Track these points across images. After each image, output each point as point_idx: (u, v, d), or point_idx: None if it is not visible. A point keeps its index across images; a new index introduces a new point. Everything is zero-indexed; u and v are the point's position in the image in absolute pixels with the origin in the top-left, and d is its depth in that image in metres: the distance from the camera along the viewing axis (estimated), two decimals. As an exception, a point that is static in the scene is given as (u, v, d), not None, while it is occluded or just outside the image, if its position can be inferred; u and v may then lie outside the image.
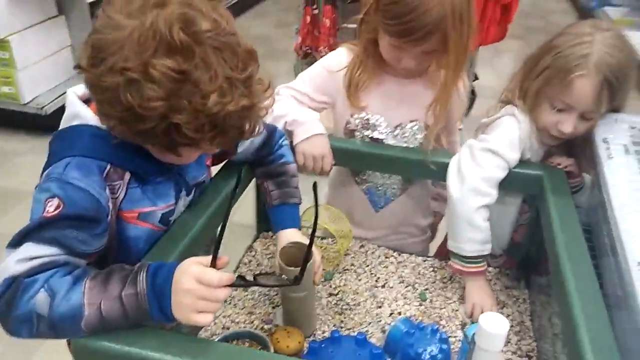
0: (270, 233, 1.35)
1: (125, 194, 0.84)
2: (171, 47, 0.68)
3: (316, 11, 2.74)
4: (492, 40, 2.60)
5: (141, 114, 0.69)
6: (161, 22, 0.68)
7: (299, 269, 0.86)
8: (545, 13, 6.10)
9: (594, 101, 1.02)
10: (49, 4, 3.08)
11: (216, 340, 0.97)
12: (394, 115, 1.24)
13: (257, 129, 0.80)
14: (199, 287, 0.71)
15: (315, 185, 0.87)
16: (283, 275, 0.88)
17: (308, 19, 2.73)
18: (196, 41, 0.69)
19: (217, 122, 0.72)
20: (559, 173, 1.12)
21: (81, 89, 0.84)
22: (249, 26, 5.29)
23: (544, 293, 1.12)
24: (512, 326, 1.10)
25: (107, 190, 0.80)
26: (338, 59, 1.24)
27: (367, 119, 1.24)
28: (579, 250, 0.91)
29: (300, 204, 1.12)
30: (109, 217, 0.80)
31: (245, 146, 1.05)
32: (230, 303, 1.13)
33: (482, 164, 1.10)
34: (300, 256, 0.89)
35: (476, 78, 3.14)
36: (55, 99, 3.03)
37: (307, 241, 0.89)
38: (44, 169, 0.80)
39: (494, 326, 0.70)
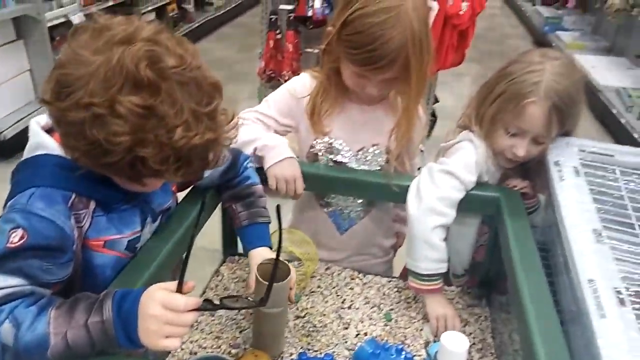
0: (237, 257, 1.35)
1: (91, 222, 0.84)
2: (137, 83, 0.69)
3: (279, 36, 2.78)
4: (451, 64, 2.69)
5: (107, 148, 0.70)
6: (128, 59, 0.69)
7: (281, 284, 0.89)
8: (502, 37, 6.35)
9: (544, 126, 1.08)
10: (8, 29, 3.05)
11: (184, 366, 0.97)
12: (356, 140, 1.27)
13: (220, 158, 0.82)
14: (165, 312, 0.72)
15: (278, 208, 0.89)
16: (249, 297, 0.89)
17: (271, 43, 2.77)
18: (162, 77, 0.71)
19: (182, 154, 0.73)
20: (515, 195, 1.17)
21: (44, 118, 0.84)
22: (212, 49, 5.31)
23: (504, 311, 1.16)
24: (474, 344, 1.13)
25: (73, 219, 0.80)
26: (302, 84, 1.27)
27: (331, 143, 1.27)
28: (534, 268, 0.95)
29: (269, 222, 1.13)
30: (75, 246, 0.80)
31: (211, 171, 1.06)
32: (197, 328, 1.12)
33: (440, 185, 1.14)
34: (269, 270, 0.90)
35: (436, 101, 3.23)
36: (14, 123, 2.98)
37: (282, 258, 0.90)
38: (8, 199, 0.80)
39: (455, 344, 0.72)
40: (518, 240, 1.03)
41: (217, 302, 0.81)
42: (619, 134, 3.63)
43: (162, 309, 0.72)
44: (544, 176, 1.15)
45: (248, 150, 1.20)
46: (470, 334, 1.16)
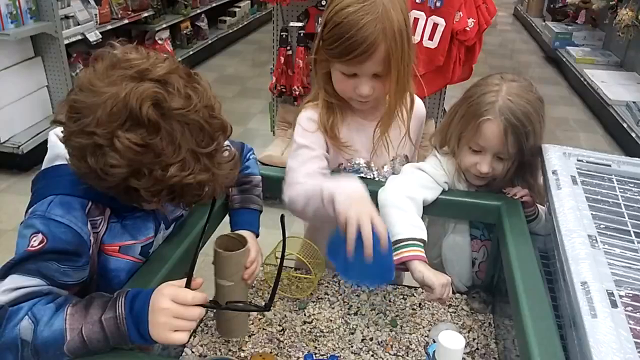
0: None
1: (107, 228, 0.89)
2: (138, 121, 0.73)
3: (290, 52, 2.85)
4: (459, 79, 2.73)
5: (102, 177, 0.75)
6: (133, 97, 0.73)
7: (229, 253, 0.96)
8: (512, 53, 6.37)
9: (501, 142, 1.15)
10: (26, 46, 3.15)
11: (194, 368, 1.01)
12: (377, 156, 1.29)
13: (217, 193, 0.84)
14: (173, 305, 0.76)
15: (282, 218, 0.94)
16: (251, 302, 0.94)
17: (282, 59, 2.83)
18: (164, 117, 0.75)
19: (175, 189, 0.78)
20: (515, 203, 1.20)
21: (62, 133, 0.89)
22: (225, 65, 5.40)
23: (507, 317, 1.18)
24: (477, 349, 1.16)
25: (89, 225, 0.85)
26: (310, 118, 1.24)
27: (358, 163, 1.28)
28: (533, 274, 0.98)
29: (261, 212, 1.16)
30: (90, 250, 0.85)
31: None
32: (207, 332, 1.16)
33: (407, 172, 1.22)
34: (237, 247, 0.97)
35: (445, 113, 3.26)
36: (32, 138, 3.06)
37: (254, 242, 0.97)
38: (29, 207, 0.85)
39: (452, 343, 0.75)
40: (518, 248, 1.06)
41: (224, 304, 0.85)
42: (630, 148, 3.64)
43: (171, 302, 0.76)
44: (537, 178, 1.22)
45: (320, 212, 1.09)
46: (474, 339, 1.18)
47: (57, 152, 0.87)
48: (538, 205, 1.26)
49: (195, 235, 1.05)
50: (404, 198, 1.16)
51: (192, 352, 1.11)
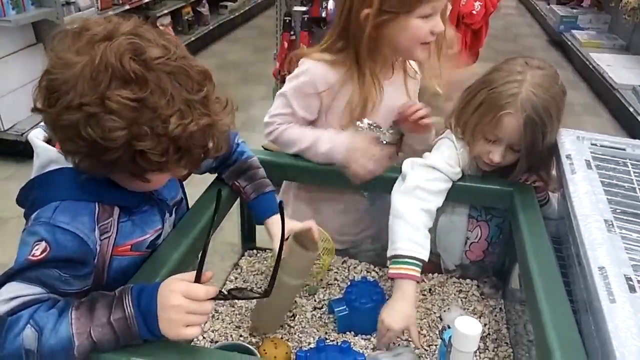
0: (255, 251, 1.39)
1: (117, 230, 0.86)
2: (124, 78, 0.70)
3: (293, 37, 2.82)
4: (464, 64, 2.70)
5: (105, 146, 0.71)
6: (111, 55, 0.70)
7: (310, 254, 0.98)
8: (517, 37, 6.32)
9: (519, 136, 1.11)
10: (28, 32, 3.12)
11: (205, 354, 1.01)
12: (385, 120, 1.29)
13: (221, 146, 0.81)
14: (186, 302, 0.74)
15: (281, 204, 0.93)
16: (252, 289, 0.94)
17: (286, 44, 2.81)
18: (148, 68, 0.71)
19: (181, 143, 0.74)
20: (528, 188, 1.19)
21: (41, 132, 0.85)
22: (227, 51, 5.36)
23: (518, 302, 1.18)
24: (488, 334, 1.16)
25: (97, 232, 0.82)
26: (313, 74, 1.23)
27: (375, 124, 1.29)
28: (547, 260, 0.97)
29: (274, 190, 1.16)
30: (96, 259, 0.82)
31: None
32: (218, 318, 1.16)
33: (421, 174, 1.17)
34: (308, 244, 0.99)
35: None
36: (35, 125, 3.02)
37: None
38: (28, 214, 0.81)
39: (469, 329, 0.75)
40: (531, 232, 1.05)
41: (226, 292, 0.83)
42: (636, 132, 3.62)
43: (183, 298, 0.74)
44: (550, 172, 1.20)
45: (308, 155, 1.24)
46: (485, 324, 1.18)
47: (48, 157, 0.83)
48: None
49: (201, 228, 1.02)
50: (417, 211, 1.12)
51: (204, 337, 1.11)
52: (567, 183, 0.99)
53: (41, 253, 0.75)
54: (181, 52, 0.76)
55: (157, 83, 0.71)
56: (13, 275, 0.74)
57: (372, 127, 1.28)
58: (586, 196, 0.94)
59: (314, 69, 1.23)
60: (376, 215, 1.41)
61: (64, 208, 0.79)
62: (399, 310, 1.03)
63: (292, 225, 1.06)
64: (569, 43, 5.32)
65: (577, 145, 1.09)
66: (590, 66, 4.64)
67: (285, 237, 0.96)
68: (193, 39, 4.96)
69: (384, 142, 1.31)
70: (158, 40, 0.75)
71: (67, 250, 0.77)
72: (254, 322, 1.11)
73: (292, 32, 2.81)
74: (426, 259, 1.09)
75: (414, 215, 1.11)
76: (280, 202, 0.98)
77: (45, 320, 0.72)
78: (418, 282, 1.08)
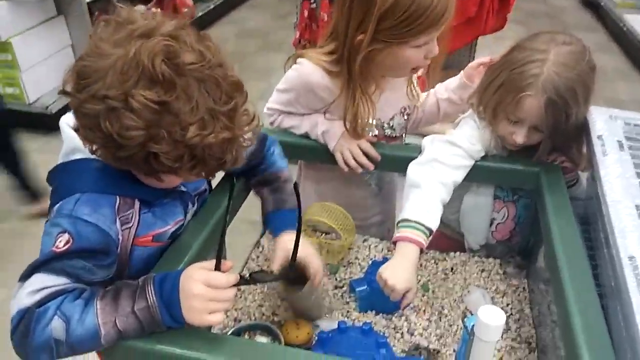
0: (276, 229, 1.39)
1: (139, 221, 0.86)
2: (152, 79, 0.69)
3: (314, 5, 2.75)
4: (491, 30, 2.61)
5: (120, 142, 0.71)
6: (144, 53, 0.69)
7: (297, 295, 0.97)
8: (546, -2, 6.09)
9: (541, 117, 1.07)
10: (49, 5, 3.11)
11: (229, 332, 1.02)
12: (385, 112, 1.28)
13: (239, 159, 0.80)
14: (208, 290, 0.75)
15: (296, 186, 0.91)
16: (274, 272, 0.94)
17: (306, 13, 2.75)
18: (178, 73, 0.70)
19: (197, 152, 0.73)
20: (556, 169, 1.16)
21: (72, 119, 0.85)
22: (246, 18, 5.29)
23: (542, 281, 1.16)
24: (511, 314, 1.15)
25: (118, 223, 0.82)
26: (309, 74, 1.20)
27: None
28: (573, 242, 0.95)
29: (294, 209, 1.12)
30: (119, 249, 0.83)
31: None
32: (240, 297, 1.17)
33: (440, 148, 1.15)
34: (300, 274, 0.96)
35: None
36: (60, 97, 3.05)
37: (307, 246, 0.96)
38: (53, 203, 0.83)
39: (492, 319, 0.74)
40: (558, 214, 1.03)
41: (247, 277, 0.83)
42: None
43: (204, 287, 0.75)
44: (577, 150, 1.16)
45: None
46: (508, 304, 1.17)
47: (74, 145, 0.84)
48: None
49: (219, 218, 1.01)
50: (432, 182, 1.11)
51: (227, 316, 1.12)
52: (597, 165, 0.96)
53: (64, 245, 0.76)
54: (217, 61, 0.75)
55: (184, 89, 0.70)
56: (38, 266, 0.76)
57: (378, 126, 1.29)
58: (618, 180, 0.91)
59: (313, 74, 1.20)
60: (382, 204, 1.42)
61: (86, 200, 0.79)
62: (402, 270, 1.00)
63: (283, 245, 1.02)
64: (602, 4, 5.09)
65: (609, 124, 1.05)
66: (625, 28, 4.44)
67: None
68: (212, 6, 4.89)
69: (393, 135, 1.31)
70: (195, 46, 0.73)
71: (90, 242, 0.78)
72: (297, 312, 1.10)
73: (312, 1, 2.74)
74: (434, 229, 1.07)
75: (427, 185, 1.10)
76: (296, 183, 0.96)
77: (72, 311, 0.73)
78: (422, 250, 1.05)
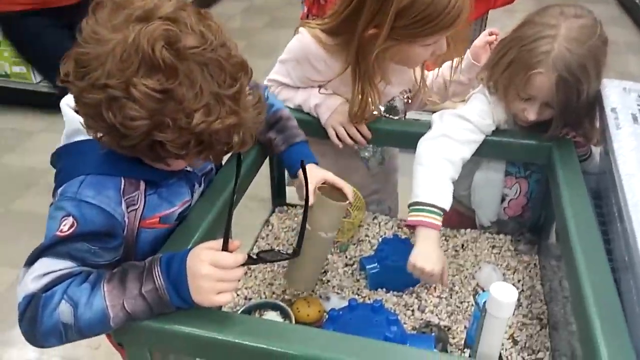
0: (285, 207, 1.39)
1: (145, 202, 0.85)
2: (153, 66, 0.67)
3: (322, -20, 2.71)
4: (503, 3, 2.56)
5: (123, 132, 0.69)
6: (144, 39, 0.66)
7: (340, 204, 0.97)
8: (557, -31, 5.95)
9: (553, 94, 1.05)
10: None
11: (239, 311, 1.03)
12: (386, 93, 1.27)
13: (247, 141, 0.78)
14: (215, 270, 0.74)
15: (302, 163, 0.91)
16: (280, 250, 0.93)
17: (314, -13, 2.71)
18: (180, 58, 0.68)
19: (203, 138, 0.71)
20: (568, 143, 1.14)
21: (72, 98, 0.82)
22: (252, -5, 5.23)
23: (554, 258, 1.16)
24: (522, 290, 1.14)
25: (124, 205, 0.81)
26: (307, 49, 1.20)
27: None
28: (586, 217, 0.94)
29: (306, 141, 1.13)
30: (125, 231, 0.82)
31: None
32: (251, 276, 1.18)
33: (449, 122, 1.14)
34: (337, 198, 0.98)
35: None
36: (66, 78, 3.06)
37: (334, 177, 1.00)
38: (57, 186, 0.82)
39: (505, 295, 0.73)
40: (570, 188, 1.01)
41: (254, 256, 0.83)
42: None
43: (212, 267, 0.74)
44: (591, 122, 1.13)
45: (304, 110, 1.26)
46: (519, 281, 1.17)
47: (75, 127, 0.82)
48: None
49: (226, 197, 1.00)
50: (440, 160, 1.10)
51: (237, 295, 1.13)
52: (611, 139, 0.94)
53: (69, 228, 0.75)
54: (219, 41, 0.72)
55: (187, 74, 0.68)
56: (43, 251, 0.75)
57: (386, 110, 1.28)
58: (632, 153, 0.89)
59: (312, 45, 1.19)
60: (380, 183, 1.42)
61: (89, 182, 0.78)
62: (432, 252, 1.03)
63: (322, 174, 1.04)
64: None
65: (623, 97, 1.03)
66: (637, 0, 4.35)
67: (313, 188, 0.96)
68: (218, -18, 4.84)
69: (397, 117, 1.31)
70: (196, 27, 0.71)
71: (95, 225, 0.77)
72: (289, 283, 1.10)
73: (319, -25, 2.70)
74: (447, 208, 1.07)
75: (436, 163, 1.10)
76: (302, 160, 0.96)
77: (79, 295, 0.73)
78: (439, 231, 1.06)
